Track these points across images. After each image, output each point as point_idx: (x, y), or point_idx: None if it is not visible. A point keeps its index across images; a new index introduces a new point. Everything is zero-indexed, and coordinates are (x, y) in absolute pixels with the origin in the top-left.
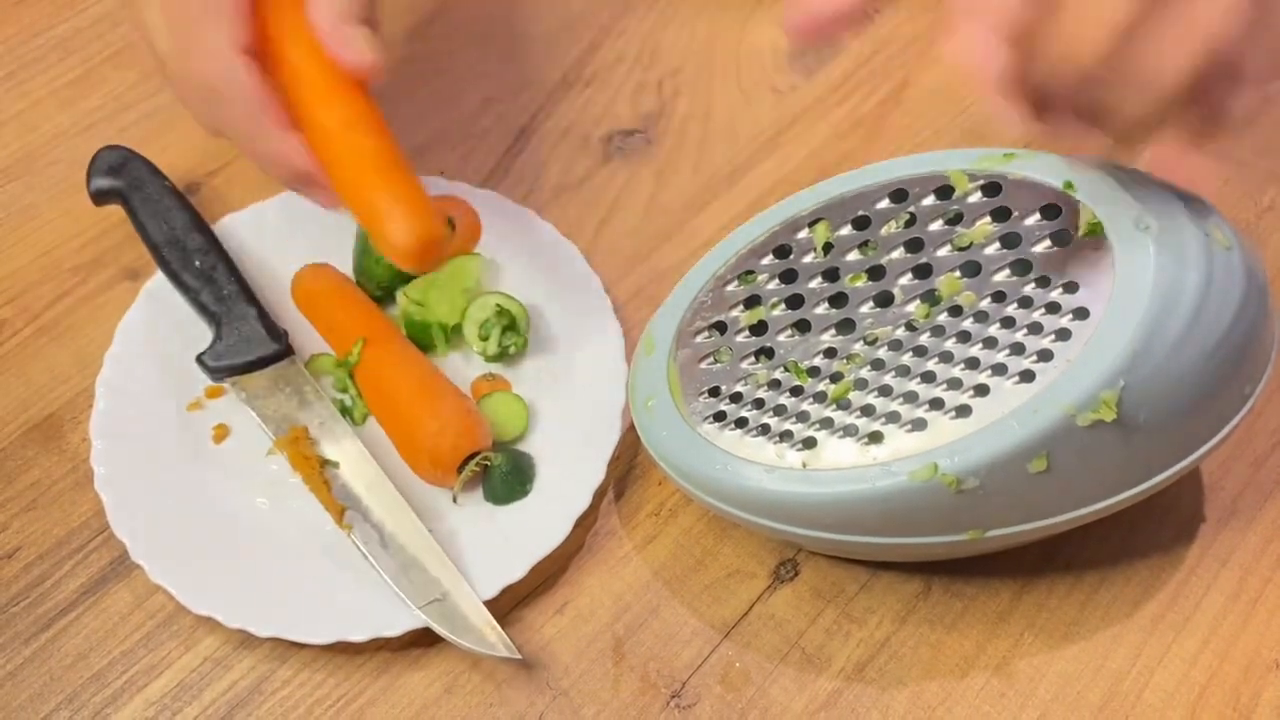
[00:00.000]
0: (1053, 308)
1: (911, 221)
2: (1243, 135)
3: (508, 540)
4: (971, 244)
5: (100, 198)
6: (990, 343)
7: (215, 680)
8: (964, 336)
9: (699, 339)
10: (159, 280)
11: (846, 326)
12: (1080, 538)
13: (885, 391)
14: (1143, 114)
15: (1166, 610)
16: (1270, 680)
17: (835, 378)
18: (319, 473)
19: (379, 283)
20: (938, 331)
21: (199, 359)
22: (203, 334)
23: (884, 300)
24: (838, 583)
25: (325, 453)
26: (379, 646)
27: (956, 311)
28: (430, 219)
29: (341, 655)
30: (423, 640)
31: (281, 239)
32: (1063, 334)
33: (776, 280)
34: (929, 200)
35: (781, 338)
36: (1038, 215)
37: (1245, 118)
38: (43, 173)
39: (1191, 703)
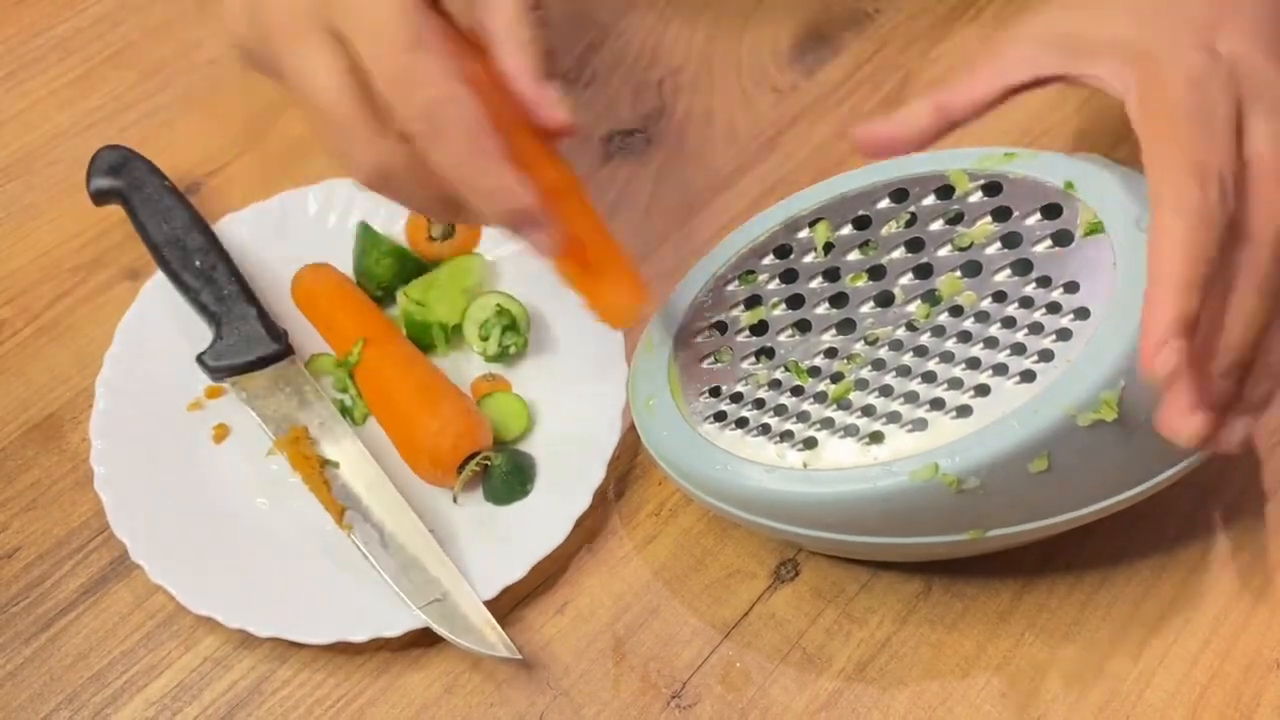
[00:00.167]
0: (1053, 308)
1: (912, 221)
2: None
3: (508, 540)
4: (972, 244)
5: (100, 197)
6: (991, 343)
7: (215, 680)
8: (965, 336)
9: (699, 339)
10: (159, 280)
11: (847, 326)
12: (1080, 538)
13: (886, 391)
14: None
15: (1167, 610)
16: (1272, 680)
17: (836, 378)
18: (319, 473)
19: (379, 283)
20: (938, 331)
21: (199, 359)
22: (203, 334)
23: (885, 300)
24: (838, 583)
25: (325, 453)
26: (379, 646)
27: (957, 311)
28: (645, 290)
29: (341, 655)
30: (423, 640)
31: (281, 239)
32: (1063, 334)
33: (777, 280)
34: (929, 200)
35: (782, 338)
36: (1038, 215)
37: None
38: (43, 172)
39: (1193, 703)
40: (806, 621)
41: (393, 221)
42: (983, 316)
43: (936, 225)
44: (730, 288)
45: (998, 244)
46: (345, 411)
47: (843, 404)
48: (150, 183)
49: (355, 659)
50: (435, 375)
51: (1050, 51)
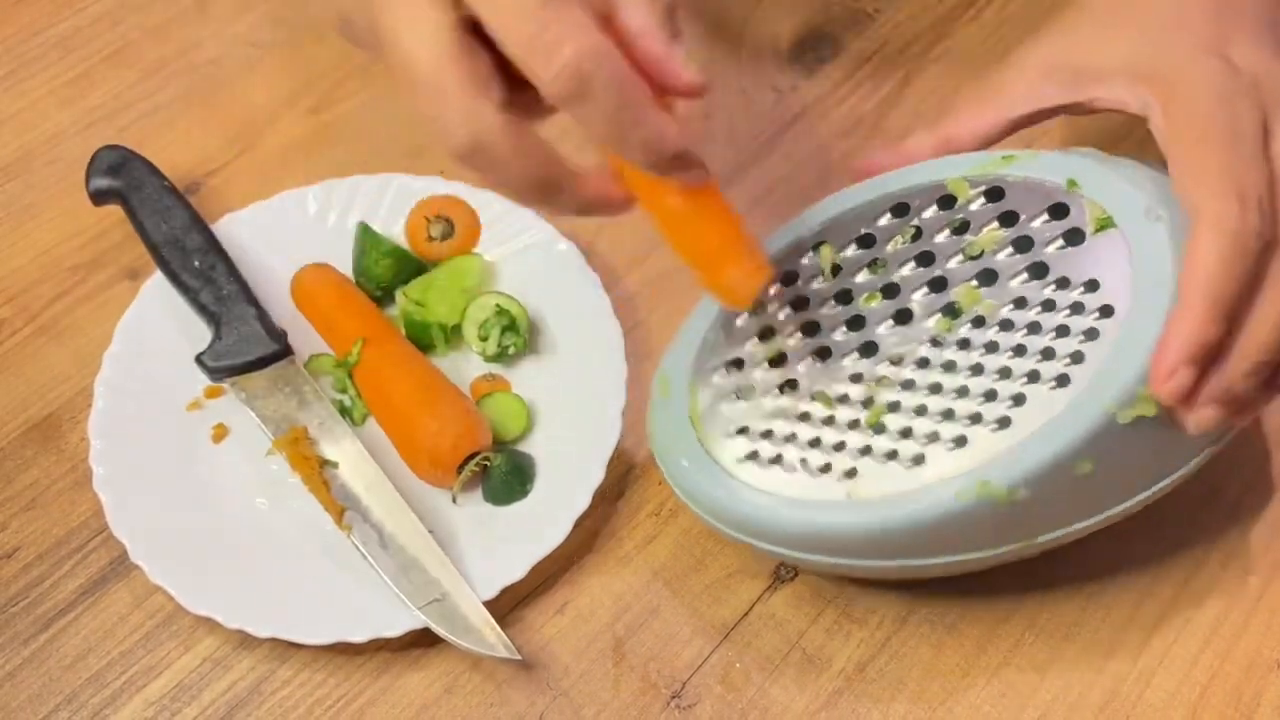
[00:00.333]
0: (1077, 308)
1: (918, 235)
2: None
3: (508, 540)
4: (983, 252)
5: (99, 197)
6: (1019, 350)
7: (214, 681)
8: (991, 346)
9: (716, 378)
10: (158, 280)
11: (869, 349)
12: (1080, 538)
13: (921, 411)
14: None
15: (1168, 610)
16: (1272, 680)
17: (867, 403)
18: (318, 473)
19: (378, 283)
20: (964, 344)
21: (198, 359)
22: (202, 334)
23: (903, 318)
24: (838, 583)
25: (325, 453)
26: (379, 647)
27: (979, 322)
28: (767, 267)
29: (341, 655)
30: (423, 640)
31: (281, 239)
32: (1091, 333)
33: (788, 309)
34: (932, 211)
35: (803, 367)
36: (1045, 216)
37: None
38: (42, 172)
39: (1193, 703)
40: (806, 621)
41: (392, 221)
42: (1006, 324)
43: (943, 237)
44: (740, 322)
45: (1009, 249)
46: (344, 412)
47: (878, 429)
48: (150, 182)
49: (355, 659)
50: (435, 375)
51: (1053, 82)
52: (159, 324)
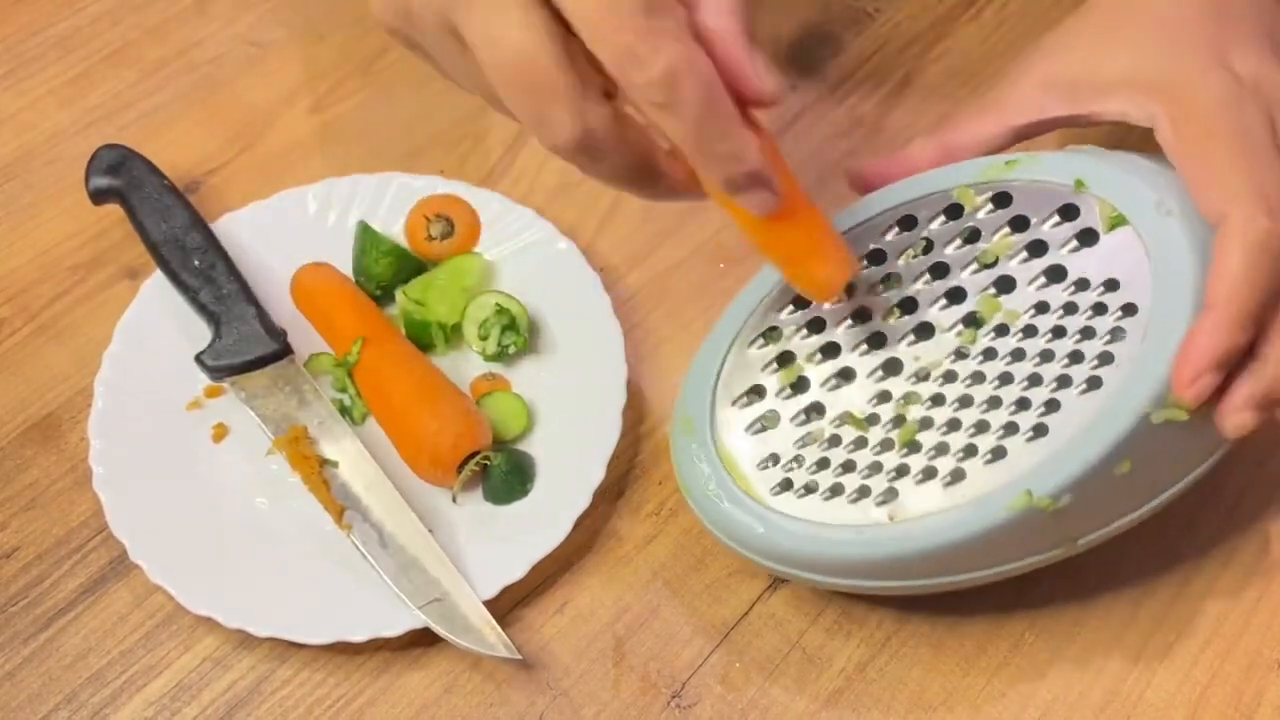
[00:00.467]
0: (1099, 309)
1: (929, 247)
2: None
3: (508, 540)
4: (997, 259)
5: (99, 197)
6: (1046, 356)
7: (214, 680)
8: (1018, 354)
9: (738, 408)
10: (158, 279)
11: (893, 366)
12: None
13: (954, 426)
14: None
15: (1168, 610)
16: (1272, 680)
17: (898, 421)
18: (318, 472)
19: (378, 282)
20: (990, 354)
21: (198, 358)
22: (202, 333)
23: (924, 332)
24: None
25: (324, 452)
26: (379, 646)
27: (1003, 330)
28: (853, 262)
29: (341, 655)
30: (423, 640)
31: (281, 238)
32: (1117, 333)
33: (804, 331)
34: (940, 222)
35: (827, 390)
36: (1056, 218)
37: None
38: (41, 172)
39: (1193, 703)
40: (806, 621)
41: (392, 221)
42: (1030, 331)
43: (954, 247)
44: (754, 350)
45: (1024, 254)
46: (344, 411)
47: (912, 447)
48: (149, 182)
49: (355, 659)
50: (434, 375)
51: (1054, 96)
52: (159, 323)
